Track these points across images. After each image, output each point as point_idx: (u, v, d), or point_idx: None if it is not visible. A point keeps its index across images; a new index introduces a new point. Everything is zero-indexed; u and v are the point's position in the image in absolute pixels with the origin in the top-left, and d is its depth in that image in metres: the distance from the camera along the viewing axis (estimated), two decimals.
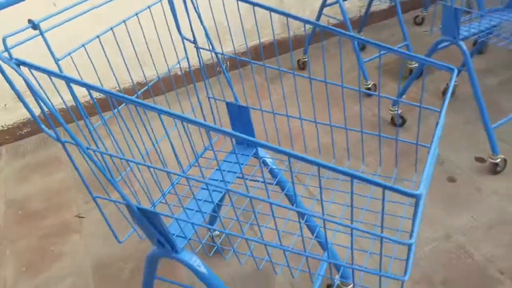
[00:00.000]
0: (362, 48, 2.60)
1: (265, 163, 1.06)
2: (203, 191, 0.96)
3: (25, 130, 2.37)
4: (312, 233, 1.14)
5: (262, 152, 1.06)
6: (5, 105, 2.28)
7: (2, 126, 2.31)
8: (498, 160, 1.57)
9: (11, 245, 1.67)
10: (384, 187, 0.49)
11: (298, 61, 2.60)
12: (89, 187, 0.79)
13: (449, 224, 1.45)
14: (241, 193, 0.65)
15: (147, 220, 0.77)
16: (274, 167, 1.05)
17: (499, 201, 1.50)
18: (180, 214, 0.88)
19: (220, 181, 0.97)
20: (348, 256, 1.33)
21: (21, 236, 1.70)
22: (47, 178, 2.00)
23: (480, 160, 1.69)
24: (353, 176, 0.50)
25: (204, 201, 0.92)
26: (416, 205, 0.51)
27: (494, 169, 1.60)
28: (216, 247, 1.12)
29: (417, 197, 0.49)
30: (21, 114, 2.33)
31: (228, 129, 1.01)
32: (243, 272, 1.40)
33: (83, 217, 1.74)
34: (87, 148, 0.66)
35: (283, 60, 2.71)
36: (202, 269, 0.84)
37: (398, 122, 1.95)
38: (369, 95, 2.20)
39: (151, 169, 0.71)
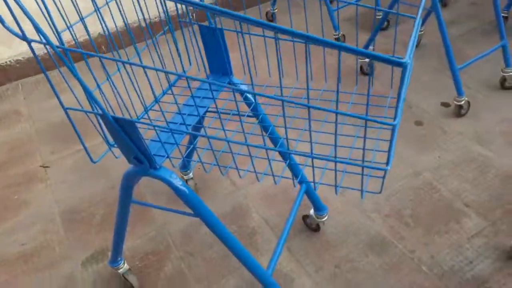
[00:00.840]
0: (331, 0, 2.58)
1: (241, 93, 1.03)
2: (180, 114, 0.93)
3: None
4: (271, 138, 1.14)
5: (235, 79, 1.04)
6: None
7: None
8: (462, 102, 1.62)
9: None
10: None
11: (267, 13, 2.55)
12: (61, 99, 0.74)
13: (417, 163, 1.50)
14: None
15: (124, 132, 0.74)
16: (250, 96, 1.03)
17: (463, 141, 1.56)
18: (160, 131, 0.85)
19: (197, 106, 0.95)
20: (331, 153, 1.36)
21: None
22: (8, 131, 1.90)
23: (445, 104, 1.75)
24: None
25: (188, 115, 0.89)
26: (403, 73, 0.50)
27: (459, 112, 1.65)
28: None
29: (403, 65, 0.49)
30: None
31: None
32: (223, 210, 1.40)
33: (48, 167, 1.67)
34: (58, 47, 0.61)
35: (250, 13, 2.65)
36: (183, 187, 0.83)
37: (368, 70, 1.97)
38: None
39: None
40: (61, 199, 1.53)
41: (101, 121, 0.75)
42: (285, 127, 0.68)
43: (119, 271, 1.18)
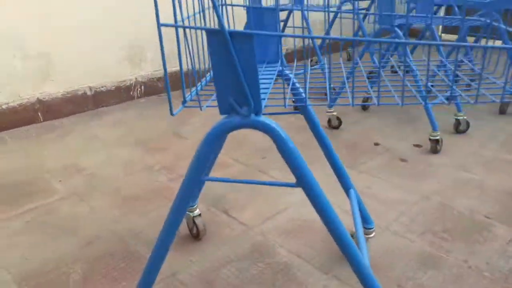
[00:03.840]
0: None
1: None
2: None
3: None
4: None
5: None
6: None
7: None
8: (438, 137, 1.73)
9: None
10: None
11: None
12: None
13: (421, 190, 1.48)
14: None
15: (237, 57, 0.59)
16: None
17: (451, 169, 1.62)
18: None
19: None
20: None
21: None
22: None
23: (417, 146, 1.84)
24: None
25: None
26: None
27: (435, 147, 1.74)
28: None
29: None
30: None
31: None
32: (240, 252, 1.15)
33: None
34: None
35: None
36: (285, 135, 0.67)
37: (334, 124, 2.03)
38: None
39: None
40: (12, 264, 1.12)
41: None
42: None
43: None
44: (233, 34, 0.60)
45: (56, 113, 2.15)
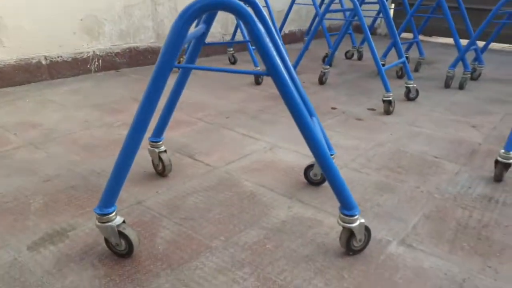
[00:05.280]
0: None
1: None
2: None
3: None
4: None
5: None
6: None
7: None
8: (391, 98, 1.83)
9: None
10: None
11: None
12: None
13: (377, 139, 1.57)
14: None
15: None
16: None
17: (403, 125, 1.73)
18: None
19: None
20: None
21: None
22: None
23: (371, 109, 1.94)
24: None
25: None
26: None
27: (388, 108, 1.85)
28: None
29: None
30: None
31: None
32: (208, 183, 1.16)
33: None
34: None
35: None
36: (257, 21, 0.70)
37: None
38: (259, 83, 2.32)
39: None
40: None
41: None
42: None
43: (109, 223, 0.82)
44: None
45: (8, 81, 2.06)
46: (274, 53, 0.74)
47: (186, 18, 0.71)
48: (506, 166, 1.24)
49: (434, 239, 0.96)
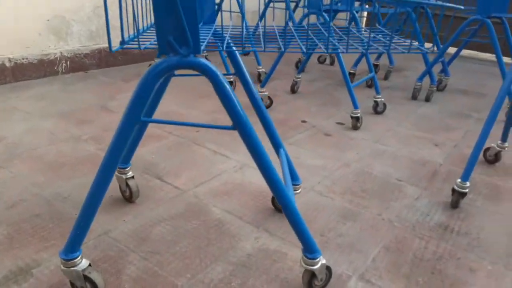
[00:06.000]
0: None
1: None
2: None
3: None
4: None
5: None
6: None
7: None
8: (359, 114, 1.88)
9: None
10: None
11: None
12: None
13: (343, 158, 1.61)
14: None
15: None
16: None
17: (369, 143, 1.78)
18: None
19: None
20: None
21: None
22: None
23: (340, 123, 1.98)
24: None
25: None
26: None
27: (356, 124, 1.90)
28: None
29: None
30: None
31: None
32: (174, 211, 1.17)
33: None
34: None
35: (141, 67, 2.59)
36: (223, 78, 0.71)
37: (266, 103, 2.11)
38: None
39: None
40: None
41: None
42: None
43: (75, 267, 0.83)
44: None
45: None
46: (239, 107, 0.76)
47: (154, 74, 0.71)
48: (462, 194, 1.31)
49: (391, 273, 1.02)
